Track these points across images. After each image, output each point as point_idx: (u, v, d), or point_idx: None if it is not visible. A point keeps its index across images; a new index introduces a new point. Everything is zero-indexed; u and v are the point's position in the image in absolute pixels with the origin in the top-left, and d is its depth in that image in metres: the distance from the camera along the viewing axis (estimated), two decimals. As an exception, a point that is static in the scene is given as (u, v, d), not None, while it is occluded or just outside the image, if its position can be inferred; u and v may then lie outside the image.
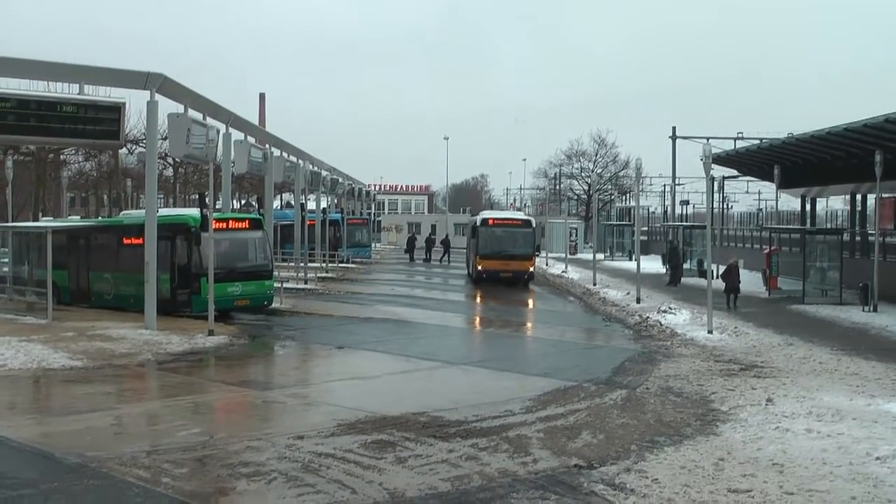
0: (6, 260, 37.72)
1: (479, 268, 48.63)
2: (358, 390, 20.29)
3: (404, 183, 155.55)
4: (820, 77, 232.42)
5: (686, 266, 52.28)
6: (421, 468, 13.48)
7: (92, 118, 26.04)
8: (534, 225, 51.43)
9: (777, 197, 56.00)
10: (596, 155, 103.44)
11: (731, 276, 37.13)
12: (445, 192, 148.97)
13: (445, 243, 75.02)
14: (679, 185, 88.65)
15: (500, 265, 48.22)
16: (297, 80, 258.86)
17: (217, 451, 14.41)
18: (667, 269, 49.97)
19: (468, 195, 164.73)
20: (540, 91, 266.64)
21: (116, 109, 26.59)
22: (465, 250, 60.89)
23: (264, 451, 14.33)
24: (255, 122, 59.46)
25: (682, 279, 48.84)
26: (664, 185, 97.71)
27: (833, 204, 79.28)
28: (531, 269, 49.35)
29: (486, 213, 55.95)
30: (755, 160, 52.21)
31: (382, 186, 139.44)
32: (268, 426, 16.34)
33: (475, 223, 51.67)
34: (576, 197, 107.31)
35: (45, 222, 43.48)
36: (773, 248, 43.75)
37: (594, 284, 45.86)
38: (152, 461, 13.60)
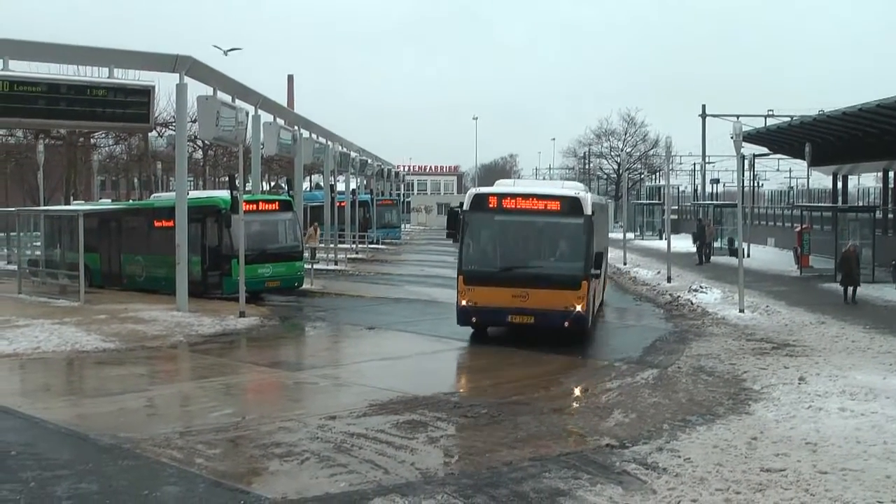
0: (39, 243, 38.02)
1: (464, 302, 22.96)
2: (389, 371, 20.33)
3: (433, 164, 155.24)
4: (853, 48, 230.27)
5: (717, 245, 51.99)
6: (453, 448, 13.50)
7: (121, 101, 26.11)
8: (588, 209, 23.03)
9: (808, 174, 55.71)
10: (625, 134, 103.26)
11: (848, 266, 31.16)
12: (475, 173, 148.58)
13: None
14: (709, 163, 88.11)
15: (510, 297, 22.53)
16: (326, 62, 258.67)
17: (249, 431, 14.47)
18: (699, 249, 49.53)
19: (497, 175, 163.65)
20: (569, 70, 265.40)
21: (146, 93, 26.66)
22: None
23: (296, 431, 14.39)
24: (284, 103, 59.49)
25: (713, 258, 48.57)
26: (694, 164, 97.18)
27: (865, 181, 78.68)
28: (578, 306, 22.34)
29: (486, 188, 25.86)
30: (786, 138, 51.79)
31: (411, 167, 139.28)
32: (300, 407, 16.39)
33: (462, 207, 23.86)
34: (605, 176, 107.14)
35: (77, 206, 43.68)
36: (804, 226, 43.43)
37: (624, 264, 45.55)
38: (185, 442, 13.68)
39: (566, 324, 22.29)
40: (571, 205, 23.00)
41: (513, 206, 23.11)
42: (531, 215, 23.10)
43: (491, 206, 23.30)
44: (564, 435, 14.17)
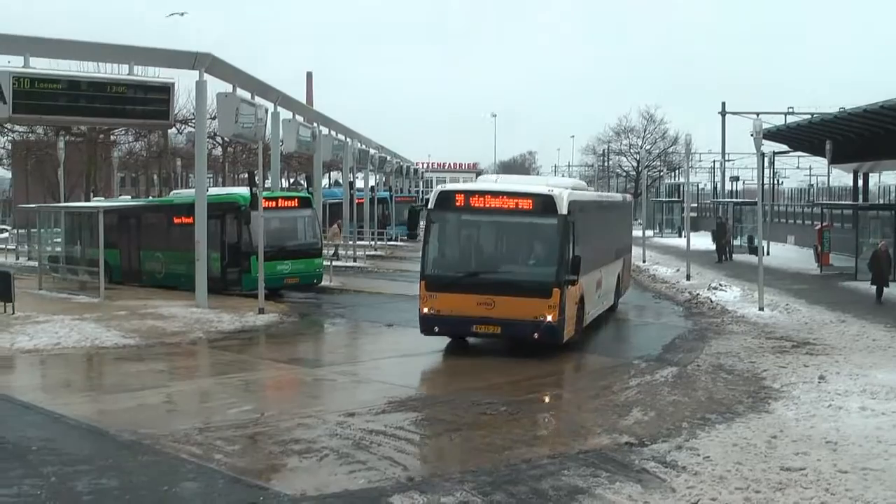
0: (59, 240, 38.14)
1: (426, 310, 20.90)
2: (407, 368, 20.33)
3: (452, 161, 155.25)
4: (875, 48, 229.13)
5: (736, 243, 51.81)
6: (472, 446, 13.50)
7: (141, 98, 26.19)
8: (562, 208, 20.62)
9: (829, 172, 55.23)
10: (644, 131, 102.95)
11: (878, 265, 30.54)
12: (493, 170, 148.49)
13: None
14: (729, 160, 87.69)
15: (474, 305, 20.42)
16: (345, 58, 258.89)
17: (268, 428, 14.51)
18: (718, 247, 49.25)
19: (516, 172, 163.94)
20: (588, 67, 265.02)
21: (165, 90, 26.72)
22: None
23: (315, 428, 14.42)
24: (303, 101, 59.58)
25: (734, 256, 48.38)
26: (714, 161, 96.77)
27: (886, 179, 78.07)
28: (549, 316, 20.13)
29: (453, 185, 25.61)
30: (806, 135, 51.55)
31: (430, 164, 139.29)
32: (318, 403, 16.42)
33: (428, 205, 22.09)
34: (624, 174, 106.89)
35: (97, 202, 43.85)
36: (824, 224, 43.25)
37: (644, 261, 45.40)
38: (205, 438, 13.72)
39: (535, 335, 20.20)
40: (544, 204, 20.66)
41: (481, 206, 20.98)
42: (501, 215, 21.03)
43: (458, 204, 21.18)
44: (583, 432, 14.13)
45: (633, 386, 17.75)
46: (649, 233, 60.25)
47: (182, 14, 35.06)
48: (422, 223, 28.49)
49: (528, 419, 14.95)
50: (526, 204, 20.85)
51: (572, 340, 21.40)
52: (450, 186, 23.39)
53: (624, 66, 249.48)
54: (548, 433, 14.14)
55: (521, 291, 20.20)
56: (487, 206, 20.93)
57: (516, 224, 21.25)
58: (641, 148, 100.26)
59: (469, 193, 21.38)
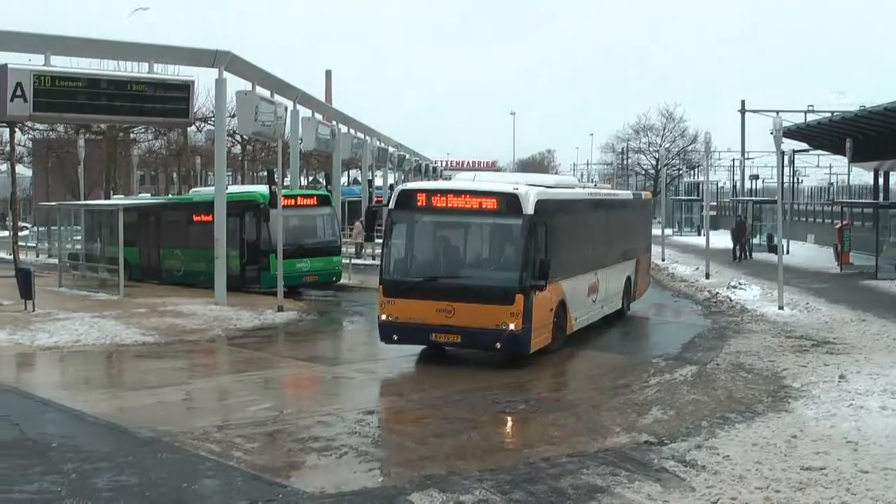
0: (79, 237, 38.31)
1: (384, 317, 19.76)
2: (426, 366, 20.26)
3: (471, 159, 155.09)
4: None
5: (756, 241, 51.60)
6: (491, 444, 13.49)
7: (161, 97, 26.25)
8: (528, 207, 19.12)
9: (849, 171, 55.15)
10: (664, 129, 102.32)
11: None
12: (512, 168, 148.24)
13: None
14: (748, 159, 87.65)
15: (433, 312, 19.15)
16: (363, 56, 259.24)
17: (287, 425, 14.54)
18: (736, 246, 49.01)
19: (535, 170, 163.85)
20: (609, 65, 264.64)
21: (185, 87, 26.78)
22: None
23: (334, 426, 14.45)
24: (322, 99, 59.63)
25: (753, 254, 48.17)
26: (733, 160, 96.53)
27: (907, 178, 77.76)
28: (511, 324, 18.75)
29: (415, 184, 27.81)
30: (826, 133, 51.27)
31: (449, 163, 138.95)
32: (337, 401, 16.43)
33: (389, 204, 20.84)
34: (643, 172, 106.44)
35: (117, 200, 43.99)
36: (844, 222, 43.02)
37: (662, 260, 45.23)
38: (224, 436, 13.76)
39: (497, 345, 18.97)
40: (508, 203, 19.15)
41: (443, 205, 19.60)
42: (463, 215, 19.70)
43: (419, 204, 19.84)
44: (602, 431, 14.10)
45: (653, 385, 17.71)
46: (668, 231, 60.20)
47: (146, 9, 34.38)
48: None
49: (547, 417, 14.93)
50: (489, 203, 19.46)
51: (553, 349, 20.38)
52: (411, 185, 22.46)
53: (644, 64, 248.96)
54: (567, 432, 14.09)
55: (482, 298, 18.88)
56: (449, 205, 19.58)
57: (479, 225, 20.17)
58: (661, 146, 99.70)
59: (430, 192, 20.08)
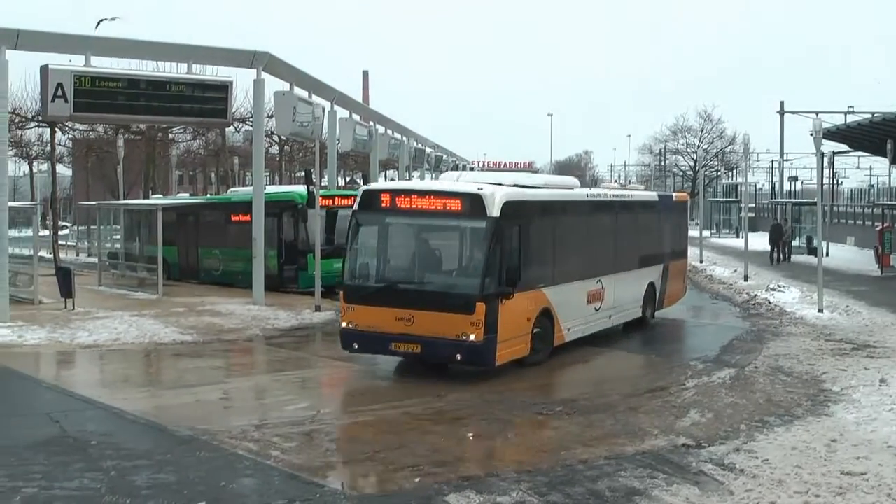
0: (118, 237, 38.60)
1: (345, 324, 18.80)
2: (462, 366, 20.17)
3: (508, 160, 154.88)
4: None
5: (795, 243, 51.20)
6: (528, 445, 13.46)
7: (200, 97, 26.39)
8: (493, 209, 17.80)
9: (890, 172, 54.66)
10: (702, 130, 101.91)
11: None
12: (549, 169, 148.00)
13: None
14: (787, 160, 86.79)
15: (393, 320, 18.02)
16: (400, 58, 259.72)
17: (325, 425, 14.60)
18: (773, 248, 48.57)
19: (571, 172, 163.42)
20: (647, 66, 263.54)
21: (224, 88, 26.89)
22: None
23: (371, 425, 14.50)
24: (359, 99, 59.72)
25: (792, 257, 47.80)
26: (772, 161, 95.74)
27: (949, 179, 76.97)
28: (472, 335, 17.41)
29: (380, 184, 26.90)
30: (867, 134, 50.78)
31: (486, 163, 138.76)
32: (374, 401, 16.40)
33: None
34: (681, 173, 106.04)
35: (155, 200, 44.27)
36: (885, 224, 42.63)
37: (700, 262, 45.03)
38: (261, 435, 13.81)
39: (458, 356, 17.70)
40: (471, 204, 17.89)
41: (407, 207, 18.45)
42: (426, 217, 18.56)
43: (383, 205, 18.75)
44: (640, 433, 14.03)
45: (691, 387, 17.62)
46: (706, 233, 59.83)
47: (113, 19, 33.66)
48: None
49: (584, 419, 14.87)
50: (453, 205, 18.23)
51: (534, 361, 19.12)
52: (375, 185, 21.75)
53: (682, 65, 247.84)
54: (604, 433, 14.03)
55: (441, 306, 17.63)
56: (413, 207, 18.40)
57: (443, 228, 18.99)
58: (698, 147, 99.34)
59: (395, 193, 18.91)
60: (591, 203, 23.53)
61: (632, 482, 11.58)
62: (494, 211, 17.65)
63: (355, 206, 19.17)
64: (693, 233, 49.59)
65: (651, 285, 25.71)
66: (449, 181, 20.64)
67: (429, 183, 20.25)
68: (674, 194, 33.69)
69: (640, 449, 13.13)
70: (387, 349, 18.50)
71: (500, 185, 19.18)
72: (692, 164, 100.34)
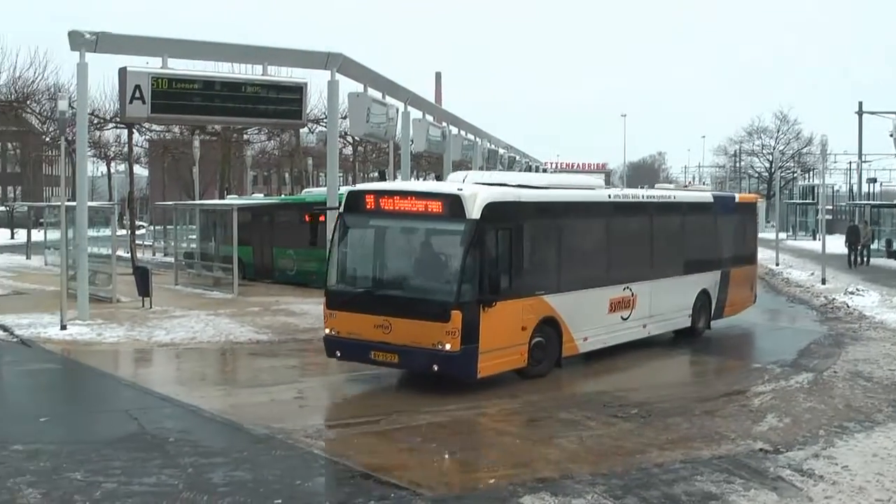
0: (194, 236, 39.05)
1: (327, 330, 18.03)
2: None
3: (581, 161, 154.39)
4: None
5: (873, 246, 50.35)
6: (602, 448, 13.37)
7: (274, 98, 26.54)
8: (472, 211, 16.54)
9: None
10: (778, 132, 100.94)
11: None
12: (622, 171, 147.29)
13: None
14: (866, 162, 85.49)
15: (372, 328, 17.04)
16: (472, 58, 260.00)
17: (400, 425, 14.60)
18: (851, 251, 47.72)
19: (645, 173, 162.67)
20: (721, 67, 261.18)
21: (298, 89, 27.05)
22: None
23: (447, 426, 14.54)
24: (432, 100, 59.83)
25: (871, 260, 46.99)
26: (850, 162, 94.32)
27: None
28: (447, 344, 16.27)
29: (366, 185, 22.81)
30: (949, 135, 49.96)
31: (559, 165, 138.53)
32: (449, 401, 16.34)
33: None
34: (757, 175, 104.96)
35: (231, 200, 44.71)
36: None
37: (776, 264, 44.46)
38: (337, 434, 13.93)
39: (434, 367, 16.63)
40: (451, 206, 16.77)
41: (390, 209, 17.54)
42: (407, 220, 17.55)
43: (367, 207, 17.89)
44: (716, 437, 13.87)
45: (768, 391, 17.39)
46: (782, 235, 59.15)
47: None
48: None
49: (660, 422, 14.74)
50: (433, 207, 17.18)
51: (536, 373, 17.97)
52: (360, 186, 20.69)
53: (757, 65, 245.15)
54: (680, 437, 13.89)
55: (417, 313, 16.60)
56: (396, 209, 17.47)
57: (424, 231, 17.63)
58: (774, 149, 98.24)
59: (378, 194, 17.99)
60: (611, 205, 21.57)
61: (708, 487, 11.44)
62: (474, 213, 16.48)
63: (341, 208, 18.39)
64: (769, 235, 48.94)
65: (704, 293, 24.04)
66: (453, 181, 19.42)
67: (412, 184, 19.30)
68: (737, 195, 31.85)
69: (716, 453, 12.98)
70: (367, 358, 17.49)
71: (487, 184, 18.24)
72: (768, 165, 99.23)
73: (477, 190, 17.17)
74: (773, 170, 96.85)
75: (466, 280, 16.33)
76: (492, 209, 16.72)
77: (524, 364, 17.69)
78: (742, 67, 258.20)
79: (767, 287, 37.40)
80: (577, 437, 13.81)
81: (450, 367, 16.51)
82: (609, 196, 21.87)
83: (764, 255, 44.68)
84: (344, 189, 22.48)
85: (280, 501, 10.83)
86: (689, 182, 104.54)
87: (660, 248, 22.11)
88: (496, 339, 16.75)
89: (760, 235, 31.52)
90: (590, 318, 19.54)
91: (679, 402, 16.40)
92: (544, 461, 12.54)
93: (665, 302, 22.23)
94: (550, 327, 18.34)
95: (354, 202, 18.11)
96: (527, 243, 18.03)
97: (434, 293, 16.81)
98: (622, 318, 20.76)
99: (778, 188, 62.37)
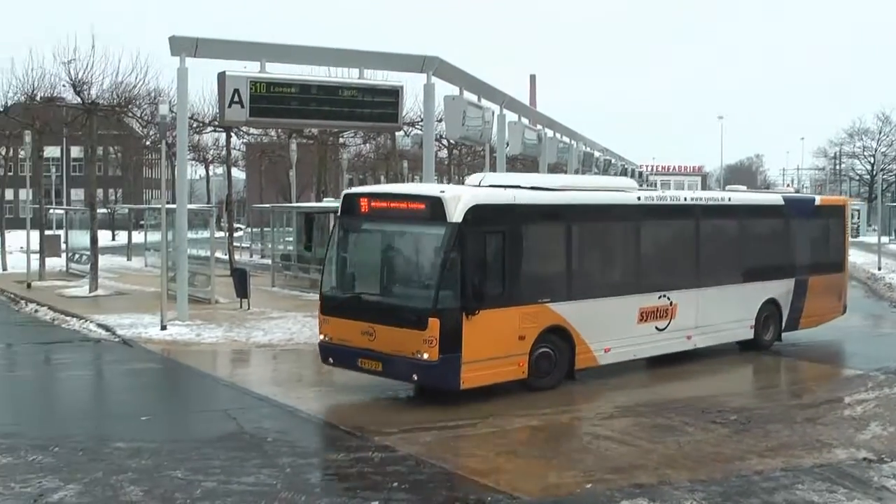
0: (291, 239, 39.47)
1: (321, 336, 17.75)
2: (635, 373, 19.70)
3: (677, 163, 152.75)
4: None
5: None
6: (701, 454, 13.20)
7: (370, 102, 26.67)
8: (454, 214, 15.86)
9: None
10: (880, 133, 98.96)
11: None
12: (719, 173, 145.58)
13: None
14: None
15: (359, 334, 16.61)
16: (568, 60, 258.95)
17: (495, 428, 14.61)
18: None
19: (742, 175, 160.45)
20: (822, 66, 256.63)
21: (394, 93, 27.17)
22: None
23: (543, 430, 14.57)
24: (527, 103, 59.72)
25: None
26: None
27: None
28: (426, 353, 15.66)
29: (361, 188, 26.07)
30: None
31: (655, 167, 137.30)
32: (544, 406, 16.27)
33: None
34: (858, 177, 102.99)
35: (327, 203, 45.08)
36: None
37: (879, 269, 43.40)
38: (433, 436, 14.02)
39: (414, 377, 16.18)
40: (433, 209, 16.13)
41: (380, 212, 17.22)
42: (394, 223, 17.15)
43: (361, 210, 17.44)
44: (818, 445, 13.62)
45: (871, 399, 16.98)
46: (885, 239, 57.85)
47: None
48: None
49: (760, 429, 14.50)
50: (416, 209, 16.69)
51: (543, 385, 17.14)
52: (356, 189, 20.35)
53: (857, 65, 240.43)
54: (780, 444, 13.66)
55: (398, 320, 16.10)
56: (384, 212, 17.20)
57: (409, 235, 17.16)
58: (876, 150, 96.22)
59: (371, 197, 17.74)
60: (638, 208, 19.87)
61: (810, 496, 11.23)
62: (455, 216, 15.76)
63: (339, 211, 18.11)
64: (870, 239, 47.83)
65: (771, 302, 22.30)
66: (470, 182, 18.88)
67: (400, 186, 19.21)
68: (817, 197, 30.29)
69: (818, 461, 12.74)
70: (355, 365, 16.96)
71: (487, 186, 17.75)
72: (869, 167, 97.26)
73: (461, 192, 16.62)
74: (874, 172, 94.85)
75: (446, 286, 15.72)
76: (477, 212, 16.04)
77: (524, 375, 16.88)
78: (844, 68, 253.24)
79: (868, 292, 36.66)
80: (675, 443, 13.67)
81: (429, 377, 15.95)
82: (638, 199, 20.25)
83: (865, 260, 43.82)
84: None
85: (377, 503, 10.88)
86: (788, 184, 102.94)
87: (709, 254, 20.81)
88: (485, 349, 16.02)
89: (861, 239, 30.81)
90: (612, 327, 18.42)
91: (779, 408, 16.14)
92: (641, 466, 12.43)
93: (717, 312, 20.80)
94: (559, 337, 17.44)
95: (349, 205, 17.75)
96: (525, 248, 17.21)
97: (412, 299, 16.35)
98: (657, 328, 19.52)
99: (880, 190, 60.84)
